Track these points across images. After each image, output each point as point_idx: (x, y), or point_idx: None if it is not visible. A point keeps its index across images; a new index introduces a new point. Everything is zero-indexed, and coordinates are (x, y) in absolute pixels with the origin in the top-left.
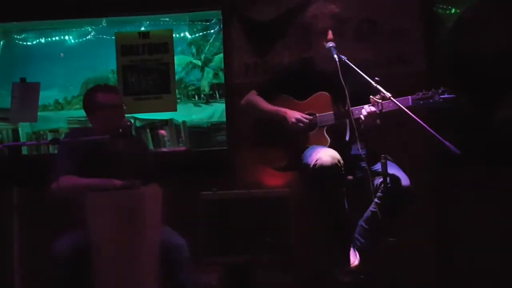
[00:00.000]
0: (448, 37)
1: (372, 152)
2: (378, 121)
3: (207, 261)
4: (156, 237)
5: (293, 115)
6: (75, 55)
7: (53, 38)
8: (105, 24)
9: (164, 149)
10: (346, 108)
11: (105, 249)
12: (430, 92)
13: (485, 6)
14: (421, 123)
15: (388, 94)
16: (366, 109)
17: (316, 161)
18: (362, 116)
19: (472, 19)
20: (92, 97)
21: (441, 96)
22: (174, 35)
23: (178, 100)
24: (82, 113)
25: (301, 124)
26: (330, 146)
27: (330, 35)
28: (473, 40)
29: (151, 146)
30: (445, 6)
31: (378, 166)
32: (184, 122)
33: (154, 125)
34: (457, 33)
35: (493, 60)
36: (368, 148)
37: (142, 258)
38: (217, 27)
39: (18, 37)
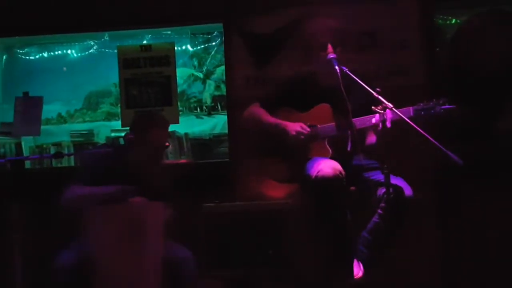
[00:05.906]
0: (448, 48)
1: (374, 162)
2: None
3: (209, 274)
4: (159, 251)
5: (294, 128)
6: (77, 69)
7: (56, 52)
8: (107, 38)
9: (166, 161)
10: (348, 119)
11: (106, 264)
12: (431, 103)
13: (485, 17)
14: (424, 134)
15: (389, 105)
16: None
17: (318, 172)
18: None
19: (472, 30)
20: (146, 131)
21: (442, 107)
22: (175, 48)
23: (180, 112)
24: (85, 126)
25: (301, 137)
26: (332, 157)
27: (330, 49)
28: (473, 51)
29: None
30: (445, 17)
31: (381, 177)
32: (186, 134)
33: None
34: (457, 44)
35: (493, 71)
36: (370, 158)
37: (144, 272)
38: (219, 39)
39: (20, 51)
